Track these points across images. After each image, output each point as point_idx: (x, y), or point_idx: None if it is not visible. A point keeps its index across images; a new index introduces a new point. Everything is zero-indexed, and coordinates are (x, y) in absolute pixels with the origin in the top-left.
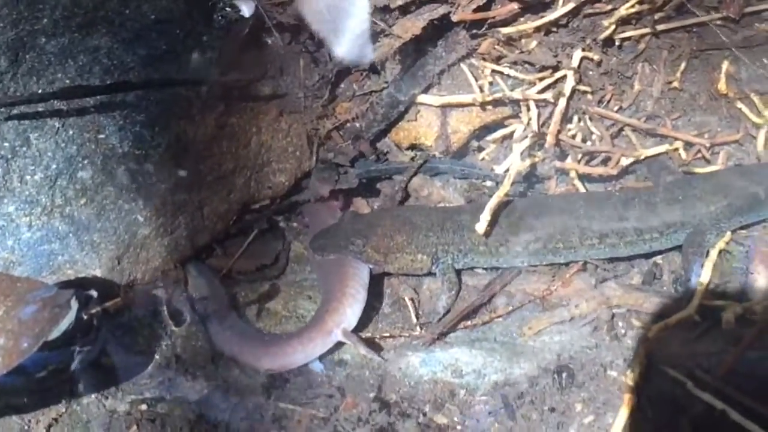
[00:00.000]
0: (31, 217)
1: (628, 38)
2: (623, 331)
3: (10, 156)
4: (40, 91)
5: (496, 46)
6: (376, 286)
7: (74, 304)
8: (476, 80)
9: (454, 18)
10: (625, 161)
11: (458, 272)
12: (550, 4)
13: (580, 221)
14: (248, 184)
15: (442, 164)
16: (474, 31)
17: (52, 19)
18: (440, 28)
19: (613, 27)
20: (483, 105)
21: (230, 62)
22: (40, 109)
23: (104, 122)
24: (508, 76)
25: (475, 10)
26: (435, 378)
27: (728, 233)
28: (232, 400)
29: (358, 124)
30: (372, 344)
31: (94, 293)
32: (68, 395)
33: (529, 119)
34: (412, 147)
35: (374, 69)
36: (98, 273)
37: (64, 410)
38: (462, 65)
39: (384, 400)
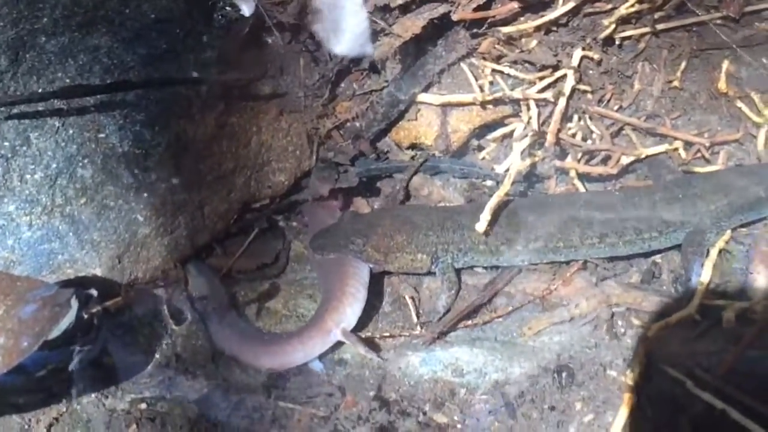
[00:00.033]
0: (32, 216)
1: (628, 37)
2: (623, 331)
3: (10, 155)
4: (40, 91)
5: (497, 46)
6: (376, 285)
7: (74, 303)
8: (476, 79)
9: (455, 17)
10: (625, 160)
11: (458, 271)
12: (550, 3)
13: (580, 220)
14: (248, 184)
15: (442, 163)
16: (474, 30)
17: (52, 19)
18: (440, 28)
19: (613, 26)
20: (483, 104)
21: (230, 61)
22: (40, 109)
23: (104, 121)
24: (509, 75)
25: (475, 9)
26: (435, 377)
27: (728, 232)
28: (232, 399)
29: (358, 124)
30: (372, 344)
31: (94, 292)
32: (68, 394)
33: (529, 118)
34: (413, 146)
35: (374, 68)
36: (98, 272)
37: (64, 409)
38: (462, 64)
39: (384, 399)
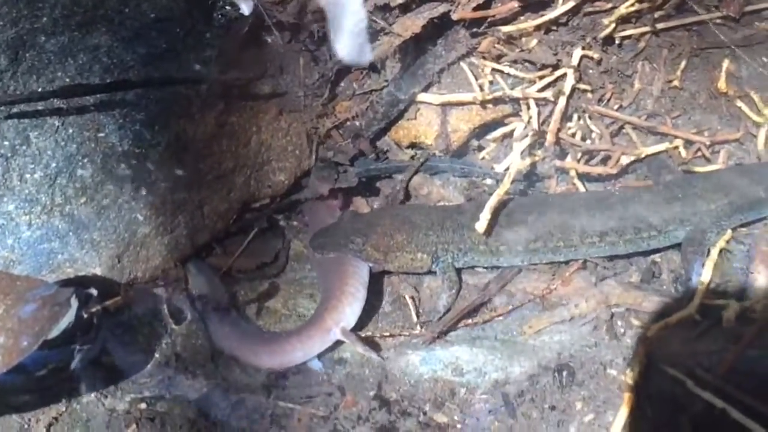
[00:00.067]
0: (31, 215)
1: (628, 37)
2: (623, 330)
3: (9, 154)
4: (39, 90)
5: (496, 45)
6: (376, 284)
7: (74, 303)
8: (476, 79)
9: (454, 16)
10: (625, 160)
11: (458, 271)
12: (550, 2)
13: (580, 220)
14: (248, 183)
15: (442, 163)
16: (474, 29)
17: (52, 18)
18: (440, 27)
19: (613, 25)
20: (483, 103)
21: (230, 61)
22: (39, 108)
23: (104, 121)
24: (508, 74)
25: (475, 9)
26: (435, 376)
27: (729, 231)
28: (232, 399)
29: (357, 123)
30: (372, 343)
31: (94, 292)
32: (68, 394)
33: (529, 118)
34: (412, 146)
35: (374, 67)
36: (98, 271)
37: (63, 409)
38: (462, 64)
39: (384, 399)
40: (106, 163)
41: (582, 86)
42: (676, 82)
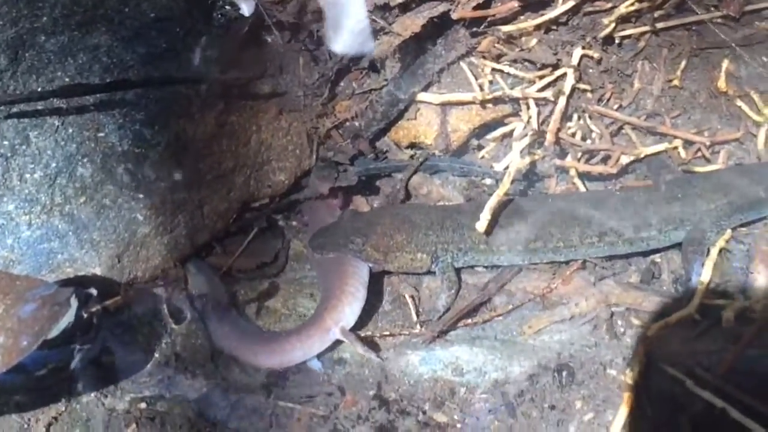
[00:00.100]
0: (31, 215)
1: (628, 36)
2: (622, 330)
3: (9, 154)
4: (39, 90)
5: (496, 44)
6: (376, 284)
7: (74, 303)
8: (476, 78)
9: (454, 16)
10: (624, 159)
11: (458, 271)
12: (550, 2)
13: (579, 220)
14: (248, 183)
15: (442, 162)
16: (474, 29)
17: (52, 18)
18: (440, 26)
19: (613, 25)
20: (483, 103)
21: (230, 60)
22: (39, 108)
23: (104, 120)
24: (508, 74)
25: (475, 8)
26: (435, 376)
27: (728, 231)
28: (232, 399)
29: (357, 123)
30: (371, 343)
31: (93, 291)
32: (68, 393)
33: (529, 117)
34: (412, 145)
35: (374, 67)
36: (98, 271)
37: (63, 409)
38: (462, 63)
39: (384, 398)
40: (105, 163)
41: (582, 86)
42: (676, 82)
